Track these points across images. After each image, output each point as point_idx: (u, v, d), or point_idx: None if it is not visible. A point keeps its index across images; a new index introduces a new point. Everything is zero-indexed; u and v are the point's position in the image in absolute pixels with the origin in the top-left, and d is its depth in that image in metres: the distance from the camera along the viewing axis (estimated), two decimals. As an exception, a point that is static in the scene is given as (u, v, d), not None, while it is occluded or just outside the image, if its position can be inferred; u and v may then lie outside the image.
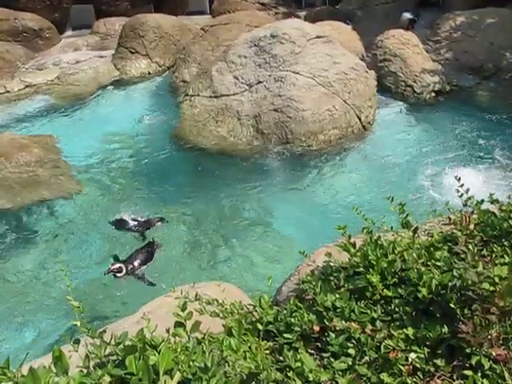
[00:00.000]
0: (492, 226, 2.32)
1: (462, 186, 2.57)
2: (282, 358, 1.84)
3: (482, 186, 6.00)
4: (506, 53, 9.46)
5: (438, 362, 1.75)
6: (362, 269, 2.16)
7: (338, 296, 2.06)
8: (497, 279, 1.84)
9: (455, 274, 1.94)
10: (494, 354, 1.68)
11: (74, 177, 7.29)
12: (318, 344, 1.94)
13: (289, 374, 1.73)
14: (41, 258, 5.68)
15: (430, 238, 2.39)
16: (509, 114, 8.44)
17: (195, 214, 6.33)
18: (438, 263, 2.10)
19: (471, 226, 2.35)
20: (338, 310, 1.99)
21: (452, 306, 1.84)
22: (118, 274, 5.12)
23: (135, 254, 5.42)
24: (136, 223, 6.05)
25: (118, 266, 5.12)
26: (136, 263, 5.28)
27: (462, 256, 2.10)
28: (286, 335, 1.97)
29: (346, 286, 2.15)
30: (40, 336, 4.62)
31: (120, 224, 6.05)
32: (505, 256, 2.09)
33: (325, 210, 6.15)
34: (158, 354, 1.64)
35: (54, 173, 7.30)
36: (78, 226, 6.22)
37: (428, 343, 1.81)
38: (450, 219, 2.49)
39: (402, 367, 1.73)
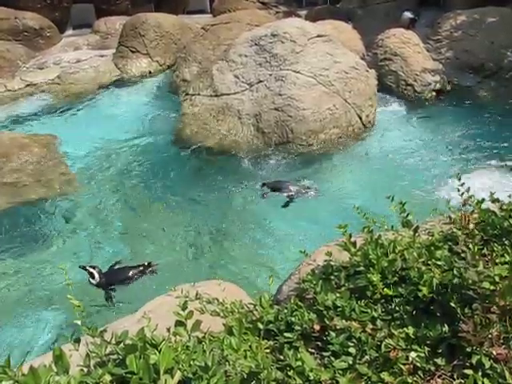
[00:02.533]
0: (492, 225, 2.31)
1: (462, 184, 2.57)
2: (282, 357, 1.84)
3: (482, 185, 5.99)
4: (506, 52, 9.44)
5: (439, 361, 1.75)
6: (362, 268, 2.16)
7: (338, 295, 2.05)
8: (497, 278, 1.84)
9: (456, 273, 1.94)
10: (494, 353, 1.68)
11: (74, 176, 7.30)
12: (319, 343, 1.94)
13: (289, 373, 1.73)
14: (41, 256, 5.69)
15: (430, 238, 2.39)
16: (509, 113, 8.43)
17: (195, 214, 6.33)
18: (439, 262, 2.09)
19: (471, 226, 2.34)
20: (339, 309, 1.99)
21: (452, 305, 1.83)
22: (91, 280, 4.99)
23: (119, 269, 5.18)
24: (296, 188, 6.43)
25: (91, 270, 4.99)
26: (111, 279, 5.07)
27: (463, 255, 2.10)
28: (286, 334, 1.96)
29: (346, 285, 2.15)
30: (40, 334, 4.62)
31: (277, 186, 6.43)
32: (505, 255, 2.09)
33: (325, 209, 6.15)
34: (159, 353, 1.64)
35: (55, 172, 7.31)
36: (78, 224, 6.23)
37: (428, 342, 1.80)
38: (450, 218, 2.49)
39: (402, 366, 1.73)
